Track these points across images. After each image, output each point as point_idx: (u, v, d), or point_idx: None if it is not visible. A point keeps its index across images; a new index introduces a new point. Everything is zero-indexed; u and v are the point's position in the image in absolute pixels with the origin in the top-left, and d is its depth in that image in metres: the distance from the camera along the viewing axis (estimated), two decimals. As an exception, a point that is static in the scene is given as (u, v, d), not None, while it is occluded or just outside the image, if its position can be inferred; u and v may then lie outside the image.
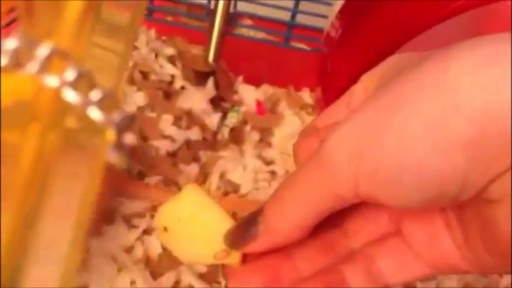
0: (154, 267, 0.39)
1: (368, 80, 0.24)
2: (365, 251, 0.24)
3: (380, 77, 0.23)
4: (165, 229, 0.26)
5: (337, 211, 0.24)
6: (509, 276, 0.39)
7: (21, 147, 0.13)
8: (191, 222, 0.26)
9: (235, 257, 0.26)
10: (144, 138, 0.43)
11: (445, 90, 0.19)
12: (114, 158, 0.14)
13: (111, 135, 0.13)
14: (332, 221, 0.25)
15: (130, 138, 0.14)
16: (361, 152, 0.20)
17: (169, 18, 0.49)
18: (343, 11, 0.40)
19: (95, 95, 0.13)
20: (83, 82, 0.13)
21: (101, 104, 0.13)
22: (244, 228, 0.24)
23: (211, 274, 0.40)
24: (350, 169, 0.20)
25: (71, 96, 0.13)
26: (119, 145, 0.14)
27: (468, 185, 0.19)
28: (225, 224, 0.26)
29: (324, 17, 0.44)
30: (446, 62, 0.19)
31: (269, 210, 0.23)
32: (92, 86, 0.13)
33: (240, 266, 0.25)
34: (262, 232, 0.23)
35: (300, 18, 0.48)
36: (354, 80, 0.38)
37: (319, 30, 0.44)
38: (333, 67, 0.41)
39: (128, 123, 0.13)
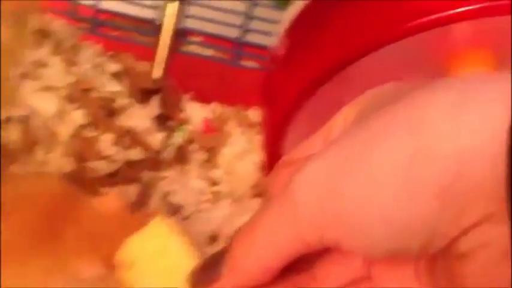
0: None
1: (348, 112, 0.23)
2: None
3: (359, 110, 0.22)
4: (129, 264, 0.26)
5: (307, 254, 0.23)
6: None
7: None
8: (157, 257, 0.26)
9: None
10: (82, 158, 0.41)
11: (417, 133, 0.18)
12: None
13: None
14: (301, 263, 0.23)
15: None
16: (328, 194, 0.19)
17: (116, 34, 0.48)
18: (289, 30, 0.40)
19: None
20: None
21: None
22: (209, 267, 0.23)
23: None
24: (315, 211, 0.19)
25: None
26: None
27: (438, 235, 0.18)
28: (192, 260, 0.25)
29: (273, 35, 0.44)
30: (420, 103, 0.18)
31: (234, 251, 0.22)
32: None
33: None
34: (227, 272, 0.22)
35: (250, 36, 0.48)
36: (298, 99, 0.38)
37: (268, 49, 0.44)
38: (277, 86, 0.41)
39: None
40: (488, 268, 0.18)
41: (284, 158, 0.26)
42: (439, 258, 0.20)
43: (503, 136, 0.17)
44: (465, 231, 0.18)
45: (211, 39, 0.48)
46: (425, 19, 0.32)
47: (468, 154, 0.17)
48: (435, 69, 0.36)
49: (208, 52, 0.49)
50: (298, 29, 0.39)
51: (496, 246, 0.18)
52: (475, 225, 0.18)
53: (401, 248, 0.19)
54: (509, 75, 0.18)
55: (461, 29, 0.34)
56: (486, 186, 0.17)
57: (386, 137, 0.18)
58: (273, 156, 0.39)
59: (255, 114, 0.48)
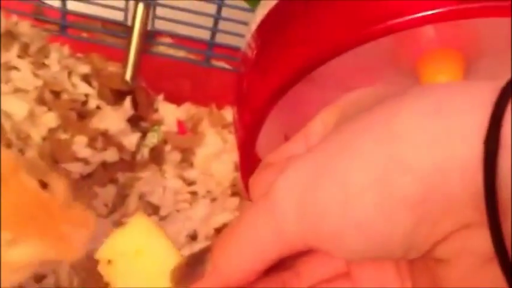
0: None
1: (327, 116, 0.22)
2: None
3: (339, 113, 0.22)
4: (109, 262, 0.25)
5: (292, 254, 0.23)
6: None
7: None
8: (137, 257, 0.25)
9: None
10: (55, 161, 0.40)
11: (390, 142, 0.18)
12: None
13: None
14: (285, 261, 0.23)
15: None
16: (306, 200, 0.19)
17: (85, 35, 0.47)
18: (258, 31, 0.40)
19: None
20: None
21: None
22: (191, 266, 0.23)
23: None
24: (296, 216, 0.19)
25: None
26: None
27: (414, 247, 0.18)
28: (172, 259, 0.25)
29: (243, 36, 0.44)
30: (395, 109, 0.18)
31: (216, 251, 0.22)
32: None
33: None
34: (209, 272, 0.22)
35: (220, 37, 0.48)
36: (269, 100, 0.38)
37: (239, 49, 0.44)
38: (249, 87, 0.41)
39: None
40: (469, 274, 0.19)
41: (264, 161, 0.26)
42: (421, 260, 0.20)
43: (478, 146, 0.16)
44: (442, 239, 0.18)
45: (182, 41, 0.48)
46: (395, 21, 0.32)
47: (442, 166, 0.17)
48: (406, 69, 0.37)
49: (180, 53, 0.49)
50: (267, 29, 0.40)
51: (475, 254, 0.18)
52: (452, 233, 0.18)
53: (379, 256, 0.19)
54: (481, 84, 0.18)
55: (431, 30, 0.35)
56: (462, 196, 0.17)
57: (359, 146, 0.18)
58: (247, 155, 0.39)
59: (228, 114, 0.48)
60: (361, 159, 0.18)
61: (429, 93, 0.18)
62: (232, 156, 0.46)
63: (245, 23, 0.46)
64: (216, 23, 0.47)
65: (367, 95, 0.22)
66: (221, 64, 0.49)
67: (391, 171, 0.17)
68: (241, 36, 0.46)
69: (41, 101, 0.42)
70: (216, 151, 0.46)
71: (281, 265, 0.23)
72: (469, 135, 0.17)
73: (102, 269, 0.25)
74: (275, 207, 0.20)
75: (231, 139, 0.47)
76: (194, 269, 0.23)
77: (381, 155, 0.18)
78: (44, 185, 0.28)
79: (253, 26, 0.40)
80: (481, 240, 0.17)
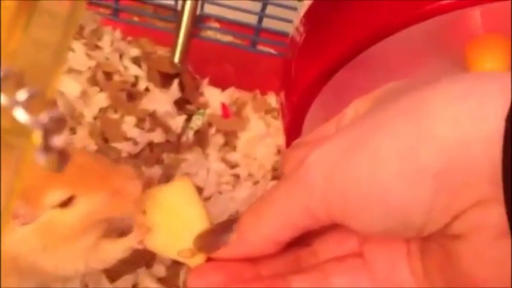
0: (111, 270, 0.38)
1: (360, 104, 0.24)
2: (322, 266, 0.24)
3: (371, 102, 0.23)
4: (143, 212, 0.27)
5: (310, 232, 0.24)
6: None
7: None
8: (169, 214, 0.26)
9: (198, 260, 0.25)
10: (105, 140, 0.42)
11: (420, 119, 0.19)
12: (41, 160, 0.13)
13: (37, 137, 0.13)
14: (304, 241, 0.25)
15: (60, 140, 0.13)
16: (335, 172, 0.20)
17: (136, 19, 0.49)
18: (307, 16, 0.40)
19: (22, 95, 0.13)
20: (11, 81, 0.13)
21: (28, 105, 0.13)
22: (218, 233, 0.24)
23: (170, 278, 0.39)
24: (324, 189, 0.21)
25: (-5, 97, 0.12)
26: (47, 147, 0.13)
27: (432, 218, 0.19)
28: (201, 225, 0.26)
29: (290, 21, 0.44)
30: (427, 93, 0.19)
31: (244, 220, 0.23)
32: (20, 85, 0.13)
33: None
34: (234, 241, 0.23)
35: (267, 23, 0.48)
36: (316, 82, 0.38)
37: (286, 35, 0.44)
38: (296, 71, 0.41)
39: (57, 124, 0.13)
40: (483, 249, 0.19)
41: (297, 141, 0.27)
42: (433, 239, 0.21)
43: (501, 124, 0.18)
44: (460, 214, 0.19)
45: (230, 26, 0.49)
46: (443, 2, 0.32)
47: (466, 140, 0.18)
48: (452, 55, 0.37)
49: (227, 38, 0.49)
50: (315, 14, 0.40)
51: (491, 229, 0.19)
52: (469, 208, 0.19)
53: (398, 228, 0.20)
54: (507, 74, 0.19)
55: (478, 16, 0.34)
56: (482, 171, 0.18)
57: (390, 122, 0.20)
58: (292, 140, 0.39)
59: (272, 99, 0.49)
60: (390, 133, 0.19)
61: (461, 79, 0.20)
62: (275, 140, 0.47)
63: (292, 8, 0.46)
64: (263, 8, 0.47)
65: (400, 86, 0.22)
66: (267, 49, 0.49)
67: (418, 143, 0.19)
68: (288, 21, 0.46)
69: (93, 81, 0.44)
70: (259, 135, 0.47)
71: (298, 243, 0.24)
72: (494, 115, 0.18)
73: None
74: (304, 180, 0.21)
75: (274, 124, 0.48)
76: (219, 237, 0.24)
77: (409, 129, 0.19)
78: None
79: (302, 11, 0.40)
80: (497, 216, 0.18)
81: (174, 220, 0.26)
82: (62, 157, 0.13)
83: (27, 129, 0.13)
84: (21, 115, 0.13)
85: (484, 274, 0.19)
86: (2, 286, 0.30)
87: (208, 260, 0.25)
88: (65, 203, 0.27)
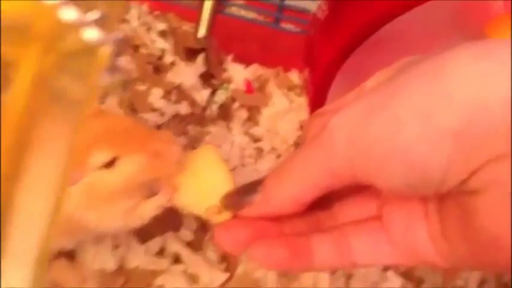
0: (140, 232, 0.39)
1: (381, 75, 0.24)
2: (341, 227, 0.25)
3: (393, 71, 0.24)
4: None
5: (330, 196, 0.25)
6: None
7: (20, 66, 0.14)
8: (196, 176, 0.27)
9: (224, 218, 0.26)
10: (133, 110, 0.43)
11: (440, 80, 0.19)
12: (107, 80, 0.14)
13: (106, 54, 0.14)
14: (324, 204, 0.26)
15: (123, 62, 0.14)
16: (358, 133, 0.21)
17: (162, -5, 0.49)
18: (329, -6, 0.41)
19: (92, 15, 0.14)
20: (82, 4, 0.14)
21: (98, 24, 0.14)
22: (243, 193, 0.25)
23: (197, 243, 0.40)
24: (348, 148, 0.21)
25: (68, 14, 0.13)
26: (113, 68, 0.14)
27: (451, 175, 0.20)
28: (227, 187, 0.27)
29: (314, -2, 0.45)
30: (446, 56, 0.20)
31: (268, 182, 0.24)
32: (90, 7, 0.14)
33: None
34: (259, 201, 0.24)
35: (291, 0, 0.49)
36: (338, 60, 0.39)
37: (309, 12, 0.45)
38: (319, 48, 0.42)
39: (122, 46, 0.14)
40: (499, 204, 0.20)
41: (319, 110, 0.27)
42: (451, 197, 0.21)
43: None
44: (477, 169, 0.19)
45: (253, 2, 0.50)
46: None
47: (485, 100, 0.19)
48: (473, 34, 0.37)
49: (250, 15, 0.50)
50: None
51: (507, 184, 0.19)
52: (486, 164, 0.19)
53: (418, 184, 0.20)
54: None
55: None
56: (499, 128, 0.19)
57: (409, 85, 0.20)
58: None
59: (294, 76, 0.49)
60: (410, 96, 0.20)
61: (481, 42, 0.20)
62: (297, 116, 0.47)
63: (316, -13, 0.47)
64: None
65: (421, 57, 0.23)
66: (290, 27, 0.50)
67: (437, 104, 0.19)
68: (311, -1, 0.46)
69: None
70: (282, 111, 0.47)
71: (318, 207, 0.25)
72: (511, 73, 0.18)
73: None
74: (327, 142, 0.22)
75: (297, 100, 0.48)
76: (244, 197, 0.25)
77: (429, 91, 0.20)
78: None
79: (324, -11, 0.41)
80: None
81: (201, 182, 0.27)
82: (125, 80, 0.14)
83: (96, 49, 0.14)
84: (92, 33, 0.14)
85: (500, 230, 0.20)
86: (55, 245, 0.32)
87: (234, 218, 0.26)
88: (109, 164, 0.28)
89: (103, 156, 0.28)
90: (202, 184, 0.27)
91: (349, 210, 0.26)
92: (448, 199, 0.22)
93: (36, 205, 0.15)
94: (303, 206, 0.24)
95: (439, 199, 0.22)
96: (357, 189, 0.26)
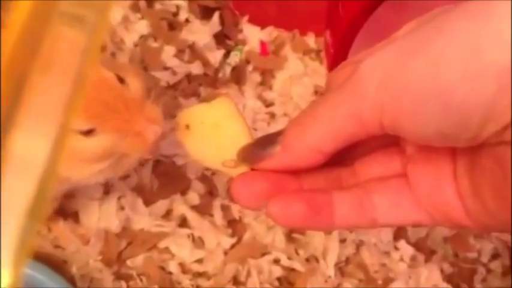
0: (147, 194, 0.39)
1: (414, 24, 0.23)
2: (364, 184, 0.24)
3: (426, 19, 0.23)
4: (187, 127, 0.27)
5: (352, 153, 0.23)
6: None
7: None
8: (213, 127, 0.26)
9: (241, 171, 0.26)
10: (144, 67, 0.42)
11: (489, 19, 0.18)
12: None
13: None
14: (345, 161, 0.24)
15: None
16: (392, 76, 0.20)
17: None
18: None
19: None
20: None
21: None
22: (261, 145, 0.24)
23: (203, 207, 0.40)
24: (378, 93, 0.20)
25: None
26: None
27: (492, 119, 0.19)
28: (244, 138, 0.26)
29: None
30: None
31: (289, 131, 0.23)
32: None
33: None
34: (279, 152, 0.23)
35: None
36: (360, 20, 0.38)
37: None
38: (341, 8, 0.41)
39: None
40: None
41: (344, 62, 0.26)
42: (486, 151, 0.20)
43: None
44: None
45: (272, -38, 0.48)
46: None
47: None
48: None
49: (269, -26, 0.48)
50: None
51: None
52: None
53: (453, 131, 0.19)
54: None
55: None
56: None
57: (453, 24, 0.19)
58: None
59: (311, 40, 0.48)
60: (454, 34, 0.19)
61: None
62: (312, 80, 0.46)
63: None
64: None
65: (460, 2, 0.21)
66: (309, -11, 0.48)
67: (483, 41, 0.18)
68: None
69: (135, 8, 0.43)
70: (297, 75, 0.46)
71: (339, 163, 0.24)
72: None
73: (179, 133, 0.27)
74: (356, 87, 0.21)
75: (312, 65, 0.47)
76: (263, 149, 0.24)
77: (474, 29, 0.18)
78: (121, 80, 0.30)
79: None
80: None
81: (217, 134, 0.26)
82: None
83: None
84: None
85: None
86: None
87: (252, 171, 0.25)
88: (86, 133, 0.29)
89: (80, 124, 0.28)
90: (219, 136, 0.27)
91: (371, 168, 0.24)
92: (482, 152, 0.20)
93: (35, 148, 0.14)
94: (325, 157, 0.22)
95: (471, 153, 0.21)
96: (381, 146, 0.25)
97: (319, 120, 0.22)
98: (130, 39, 0.42)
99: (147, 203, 0.39)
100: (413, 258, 0.40)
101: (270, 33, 0.48)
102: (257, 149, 0.24)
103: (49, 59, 0.13)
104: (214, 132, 0.27)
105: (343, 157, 0.24)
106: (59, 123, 0.14)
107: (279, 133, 0.23)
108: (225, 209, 0.40)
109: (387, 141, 0.25)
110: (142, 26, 0.43)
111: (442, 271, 0.40)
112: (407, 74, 0.19)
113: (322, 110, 0.22)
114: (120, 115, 0.29)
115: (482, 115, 0.19)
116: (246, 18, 0.47)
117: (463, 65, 0.18)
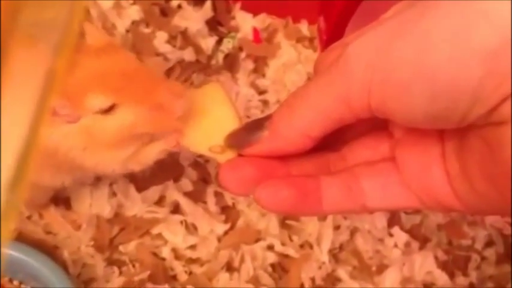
0: (139, 180, 0.38)
1: (401, 6, 0.23)
2: (351, 168, 0.24)
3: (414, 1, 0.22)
4: None
5: (340, 137, 0.23)
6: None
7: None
8: (201, 113, 0.26)
9: (228, 157, 0.25)
10: (136, 53, 0.41)
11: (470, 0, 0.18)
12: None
13: None
14: (333, 146, 0.24)
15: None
16: (379, 57, 0.20)
17: None
18: None
19: None
20: None
21: None
22: (249, 130, 0.24)
23: (197, 193, 0.40)
24: (366, 75, 0.20)
25: None
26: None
27: (480, 101, 0.18)
28: (233, 124, 0.26)
29: None
30: None
31: (277, 115, 0.23)
32: None
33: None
34: (267, 137, 0.23)
35: None
36: (353, 6, 0.38)
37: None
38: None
39: None
40: None
41: (333, 44, 0.25)
42: (473, 132, 0.20)
43: None
44: (507, 97, 0.18)
45: None
46: None
47: None
48: None
49: (262, -39, 0.48)
50: None
51: None
52: None
53: (441, 114, 0.19)
54: None
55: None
56: None
57: (441, 5, 0.19)
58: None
59: (304, 27, 0.48)
60: (442, 15, 0.19)
61: None
62: (305, 68, 0.46)
63: None
64: None
65: None
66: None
67: (471, 23, 0.18)
68: None
69: (126, -7, 0.43)
70: (290, 62, 0.46)
71: (327, 148, 0.24)
72: None
73: None
74: (344, 70, 0.20)
75: (305, 52, 0.47)
76: (251, 134, 0.23)
77: (462, 10, 0.18)
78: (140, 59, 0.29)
79: None
80: None
81: (206, 119, 0.26)
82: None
83: None
84: None
85: None
86: (36, 179, 0.30)
87: (240, 156, 0.25)
88: (107, 110, 0.27)
89: (99, 101, 0.26)
90: (208, 122, 0.26)
91: (359, 152, 0.24)
92: (470, 134, 0.20)
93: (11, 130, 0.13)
94: (313, 141, 0.22)
95: (459, 135, 0.21)
96: (369, 130, 0.25)
97: (307, 104, 0.22)
98: (122, 24, 0.42)
99: (140, 189, 0.38)
100: (407, 245, 0.40)
101: (262, 21, 0.47)
102: (245, 134, 0.24)
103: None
104: (202, 118, 0.26)
105: (331, 142, 0.24)
106: (38, 95, 0.14)
107: (267, 118, 0.23)
108: (218, 195, 0.40)
109: (375, 125, 0.25)
110: (134, 12, 0.42)
111: (436, 258, 0.40)
112: (394, 57, 0.19)
113: (310, 93, 0.22)
114: (142, 85, 0.27)
115: (470, 98, 0.18)
116: (238, 5, 0.47)
117: (449, 48, 0.18)
